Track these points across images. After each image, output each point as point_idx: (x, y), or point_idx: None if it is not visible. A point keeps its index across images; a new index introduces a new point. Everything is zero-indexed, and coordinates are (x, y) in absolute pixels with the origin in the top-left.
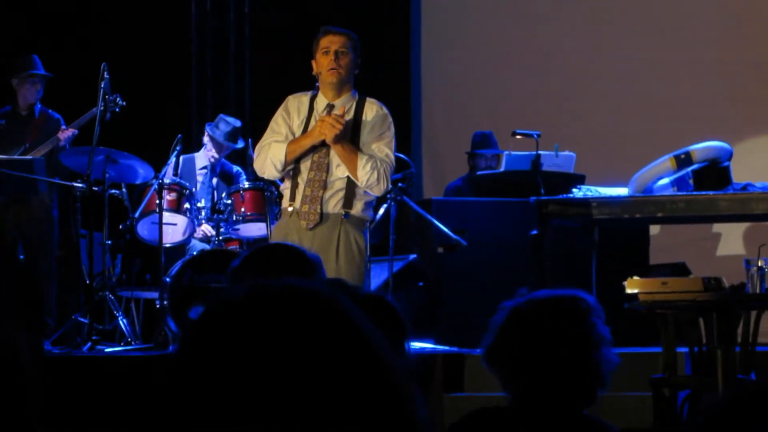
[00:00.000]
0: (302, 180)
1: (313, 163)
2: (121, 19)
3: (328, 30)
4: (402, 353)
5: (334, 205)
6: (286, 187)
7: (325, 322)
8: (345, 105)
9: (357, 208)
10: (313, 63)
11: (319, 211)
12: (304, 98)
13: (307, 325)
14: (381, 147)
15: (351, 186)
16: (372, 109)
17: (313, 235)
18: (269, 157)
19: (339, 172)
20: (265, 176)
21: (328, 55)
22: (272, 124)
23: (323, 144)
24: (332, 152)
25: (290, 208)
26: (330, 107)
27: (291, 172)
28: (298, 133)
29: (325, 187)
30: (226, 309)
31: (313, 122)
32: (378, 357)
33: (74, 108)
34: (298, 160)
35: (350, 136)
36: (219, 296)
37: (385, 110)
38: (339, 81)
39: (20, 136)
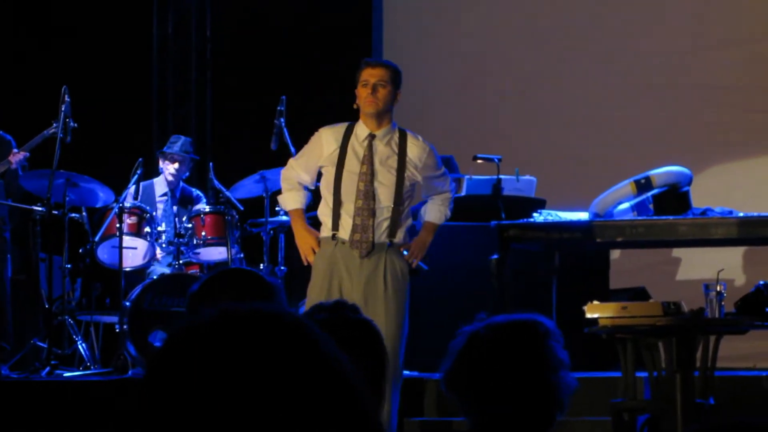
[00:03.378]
0: (346, 210)
1: (360, 192)
2: (81, 40)
3: (367, 63)
4: (379, 380)
5: (380, 234)
6: (325, 214)
7: (291, 346)
8: (386, 136)
9: (399, 237)
10: (356, 94)
11: (371, 239)
12: (337, 128)
13: (273, 350)
14: (442, 183)
15: (396, 215)
16: (417, 145)
17: (360, 264)
18: (286, 198)
19: (384, 200)
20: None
21: (366, 87)
22: (305, 153)
23: (369, 171)
24: (376, 181)
25: (334, 237)
26: (371, 137)
27: (332, 202)
28: (330, 160)
29: (374, 215)
30: (193, 333)
31: (350, 150)
32: (342, 380)
33: (28, 129)
34: (338, 190)
35: (395, 168)
36: (186, 321)
37: (428, 145)
38: (376, 112)
39: None
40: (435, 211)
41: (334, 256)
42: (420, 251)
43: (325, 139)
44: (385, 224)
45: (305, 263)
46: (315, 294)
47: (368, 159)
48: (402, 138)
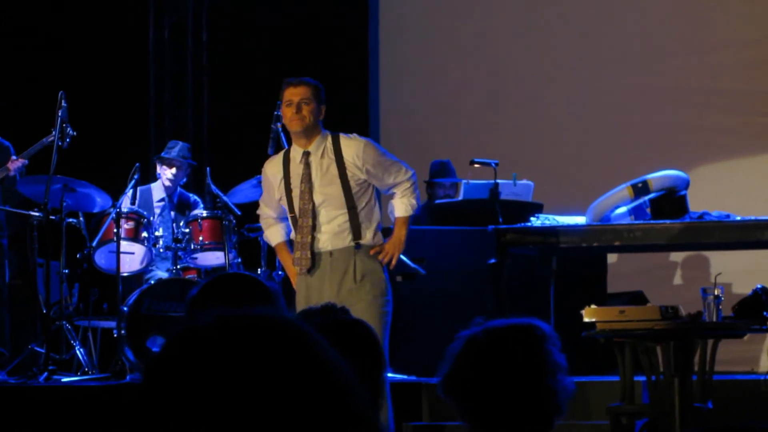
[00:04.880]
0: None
1: (301, 210)
2: (78, 45)
3: (289, 82)
4: (377, 381)
5: (344, 238)
6: (293, 239)
7: (290, 351)
8: (319, 148)
9: (367, 237)
10: (282, 114)
11: (309, 256)
12: (276, 159)
13: (272, 355)
14: (394, 174)
15: (354, 217)
16: (350, 145)
17: (331, 269)
18: (267, 236)
19: (339, 207)
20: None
21: (290, 107)
22: (264, 190)
23: (307, 189)
24: (323, 193)
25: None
26: (306, 155)
27: (293, 226)
28: (281, 191)
29: (314, 230)
30: (191, 338)
31: (292, 175)
32: (341, 386)
33: (26, 136)
34: (293, 214)
35: (337, 174)
36: (183, 325)
37: (362, 139)
38: (304, 129)
39: None
40: (399, 205)
41: (306, 278)
42: (395, 248)
43: (270, 174)
44: (347, 229)
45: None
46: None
47: (306, 177)
48: (335, 142)
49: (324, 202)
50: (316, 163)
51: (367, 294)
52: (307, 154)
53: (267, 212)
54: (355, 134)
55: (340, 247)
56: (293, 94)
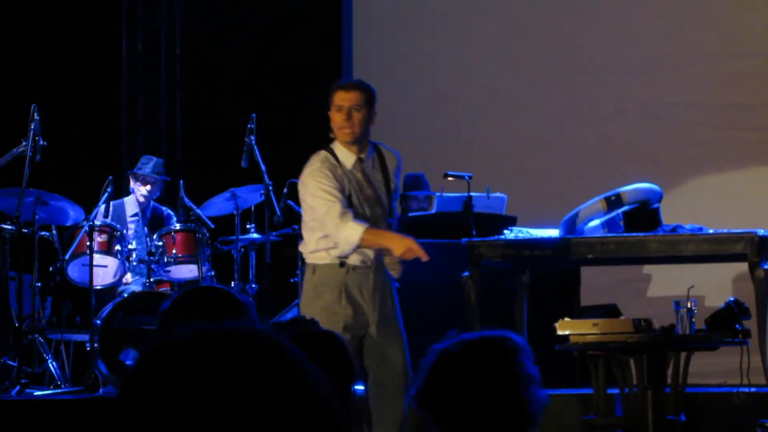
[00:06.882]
0: None
1: (373, 217)
2: (50, 58)
3: (340, 86)
4: (347, 393)
5: (382, 253)
6: (327, 244)
7: (266, 364)
8: (370, 157)
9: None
10: (330, 117)
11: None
12: (331, 157)
13: (248, 368)
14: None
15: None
16: (392, 157)
17: (373, 287)
18: (352, 227)
19: (382, 220)
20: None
21: (341, 112)
22: (326, 188)
23: (374, 195)
24: (375, 205)
25: (342, 264)
26: (360, 161)
27: None
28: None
29: None
30: (167, 352)
31: (343, 178)
32: (319, 399)
33: None
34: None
35: (384, 185)
36: (159, 339)
37: (396, 153)
38: (353, 139)
39: None
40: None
41: (345, 282)
42: (413, 253)
43: (334, 169)
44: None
45: (425, 257)
46: (330, 320)
47: (367, 184)
48: (378, 151)
49: (376, 215)
50: (369, 171)
51: (397, 313)
52: (360, 161)
53: (343, 201)
54: (387, 146)
55: (379, 261)
56: (343, 99)
